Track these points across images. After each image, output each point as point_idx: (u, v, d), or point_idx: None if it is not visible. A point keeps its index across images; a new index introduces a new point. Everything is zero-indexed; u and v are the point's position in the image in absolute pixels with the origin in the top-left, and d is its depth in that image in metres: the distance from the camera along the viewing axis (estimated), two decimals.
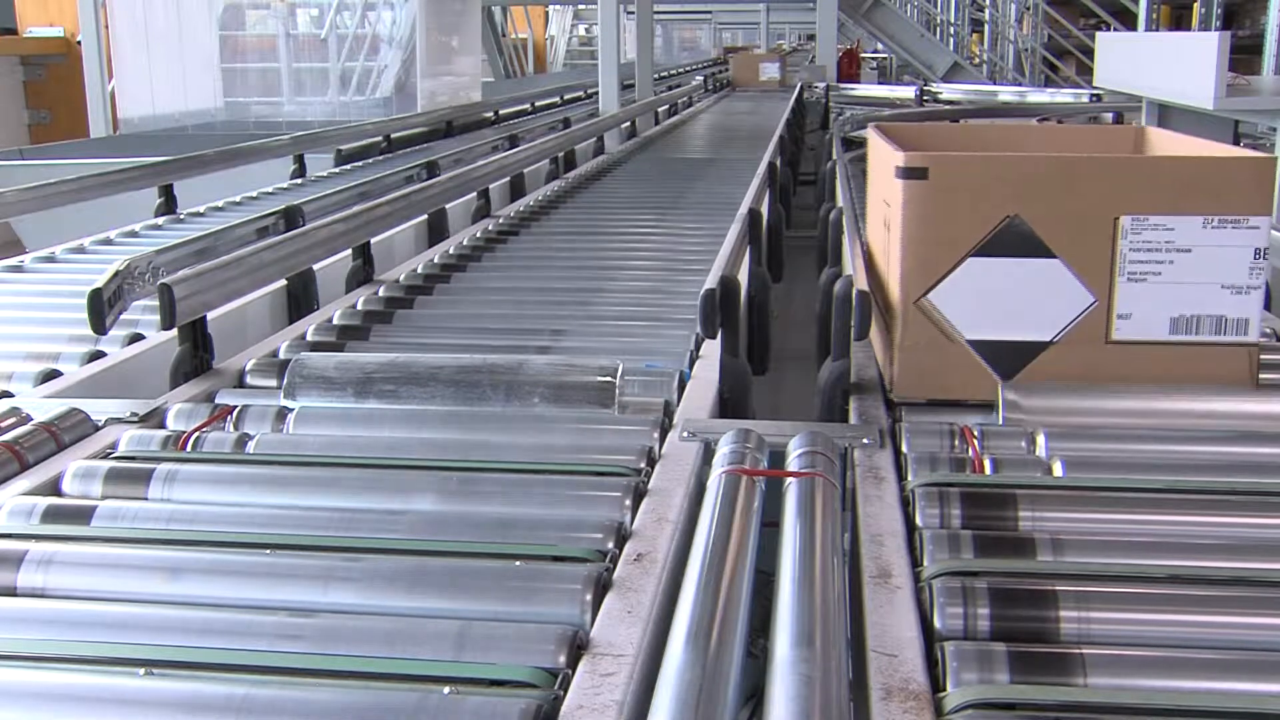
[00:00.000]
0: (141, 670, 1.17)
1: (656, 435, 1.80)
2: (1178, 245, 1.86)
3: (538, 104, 10.06)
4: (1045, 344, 1.88)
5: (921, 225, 1.86)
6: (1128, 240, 1.86)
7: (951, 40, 16.24)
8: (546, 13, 24.46)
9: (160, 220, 4.21)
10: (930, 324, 1.89)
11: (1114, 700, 1.10)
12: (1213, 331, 1.88)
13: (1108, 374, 1.86)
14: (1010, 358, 1.88)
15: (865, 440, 1.75)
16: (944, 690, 1.13)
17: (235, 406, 1.95)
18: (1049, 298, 1.87)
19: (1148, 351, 1.88)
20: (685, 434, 1.80)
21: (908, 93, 9.49)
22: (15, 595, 1.37)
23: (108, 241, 3.71)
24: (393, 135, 6.77)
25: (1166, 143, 2.26)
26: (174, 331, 2.22)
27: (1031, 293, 1.86)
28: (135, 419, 1.92)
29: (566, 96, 11.06)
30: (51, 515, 1.55)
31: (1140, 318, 1.88)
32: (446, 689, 1.13)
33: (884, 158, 1.99)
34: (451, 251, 3.47)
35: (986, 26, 16.53)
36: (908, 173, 1.86)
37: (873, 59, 16.95)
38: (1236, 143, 5.86)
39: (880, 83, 12.73)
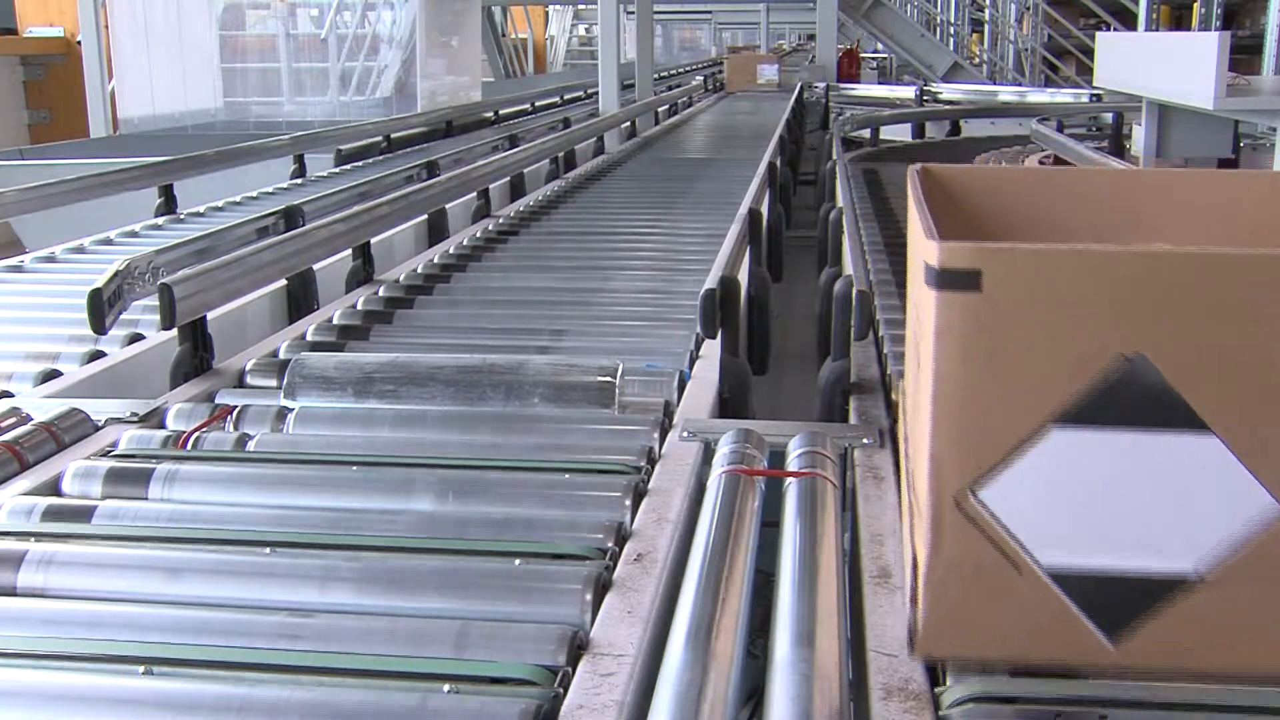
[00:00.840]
0: (141, 670, 1.17)
1: (656, 435, 1.80)
2: None
3: (538, 104, 10.06)
4: (1188, 582, 1.08)
5: (969, 368, 1.08)
6: None
7: (951, 40, 16.24)
8: (546, 13, 24.47)
9: (160, 220, 4.21)
10: (982, 538, 1.11)
11: (1114, 694, 1.10)
12: None
13: None
14: (1124, 601, 1.10)
15: (865, 440, 1.75)
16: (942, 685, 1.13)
17: (235, 406, 1.95)
18: (1199, 500, 1.07)
19: None
20: (685, 434, 1.80)
21: (908, 93, 9.50)
22: (15, 595, 1.37)
23: (108, 241, 3.71)
24: (393, 135, 6.77)
25: None
26: (174, 331, 2.22)
27: (1166, 492, 1.08)
28: (135, 419, 1.92)
29: (566, 96, 11.06)
30: (51, 515, 1.55)
31: None
32: (446, 686, 1.13)
33: (916, 238, 1.18)
34: (451, 251, 3.47)
35: (986, 26, 16.53)
36: (946, 279, 1.06)
37: (873, 59, 16.95)
38: (1237, 143, 5.87)
39: (880, 83, 12.73)
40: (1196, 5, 9.16)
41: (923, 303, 1.10)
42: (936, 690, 1.10)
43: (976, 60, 16.09)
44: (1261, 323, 1.02)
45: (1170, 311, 1.03)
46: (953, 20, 16.88)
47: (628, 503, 1.54)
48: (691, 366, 2.23)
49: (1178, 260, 1.04)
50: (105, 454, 1.78)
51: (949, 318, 1.06)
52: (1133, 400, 1.05)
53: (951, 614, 1.12)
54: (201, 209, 4.36)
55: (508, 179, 4.73)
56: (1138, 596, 1.08)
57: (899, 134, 7.60)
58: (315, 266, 2.92)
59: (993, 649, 1.13)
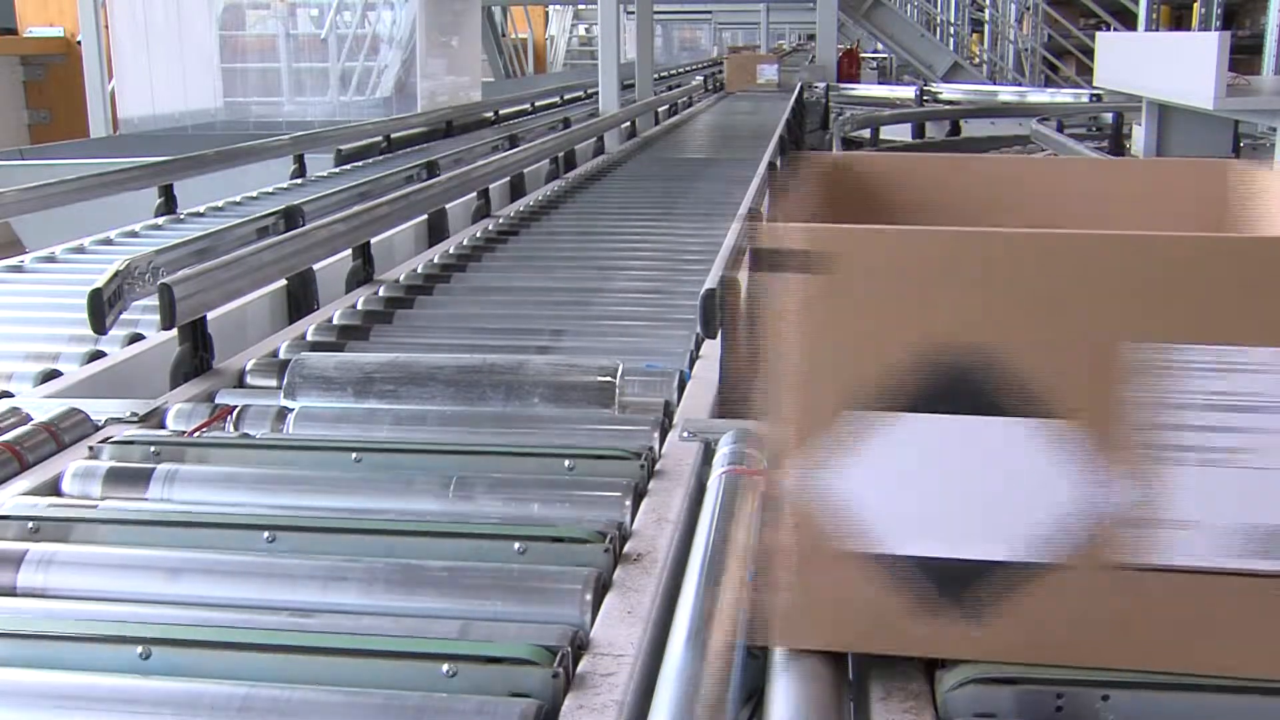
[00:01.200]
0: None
1: (656, 435, 1.80)
2: None
3: (538, 104, 10.06)
4: (1029, 569, 1.06)
5: (817, 351, 1.05)
6: (1204, 393, 1.02)
7: (951, 40, 16.24)
8: (546, 13, 24.46)
9: (160, 220, 4.21)
10: (821, 523, 1.07)
11: (1116, 675, 1.09)
12: None
13: (1145, 620, 1.06)
14: (965, 589, 1.07)
15: None
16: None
17: (235, 406, 1.95)
18: (1041, 486, 1.04)
19: (1215, 587, 1.05)
20: (685, 434, 1.79)
21: (908, 93, 9.50)
22: (15, 595, 1.37)
23: (108, 241, 3.71)
24: (393, 135, 6.77)
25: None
26: (174, 331, 2.22)
27: (1008, 478, 1.05)
28: (135, 419, 1.92)
29: (566, 96, 11.06)
30: (52, 515, 1.55)
31: (1211, 528, 1.04)
32: (446, 666, 1.12)
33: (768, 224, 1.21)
34: (451, 251, 3.47)
35: (986, 26, 16.52)
36: (797, 260, 1.04)
37: (873, 59, 16.95)
38: (1237, 143, 5.87)
39: (880, 83, 12.73)
40: (1196, 5, 9.16)
41: (766, 284, 1.07)
42: (936, 673, 1.10)
43: (976, 60, 16.09)
44: (1099, 306, 1.01)
45: (1008, 294, 1.02)
46: (953, 20, 16.88)
47: (628, 503, 1.54)
48: (691, 367, 2.22)
49: (1013, 240, 1.03)
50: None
51: (789, 299, 1.04)
52: (973, 385, 1.03)
53: (798, 601, 1.09)
54: (201, 209, 4.36)
55: (508, 179, 4.73)
56: (979, 583, 1.06)
57: (899, 134, 7.60)
58: (315, 266, 2.93)
59: (831, 638, 1.10)
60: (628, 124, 7.27)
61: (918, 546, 1.06)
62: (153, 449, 1.79)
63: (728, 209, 3.50)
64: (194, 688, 1.14)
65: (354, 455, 1.75)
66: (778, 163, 4.58)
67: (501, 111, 9.03)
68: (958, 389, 1.03)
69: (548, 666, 1.13)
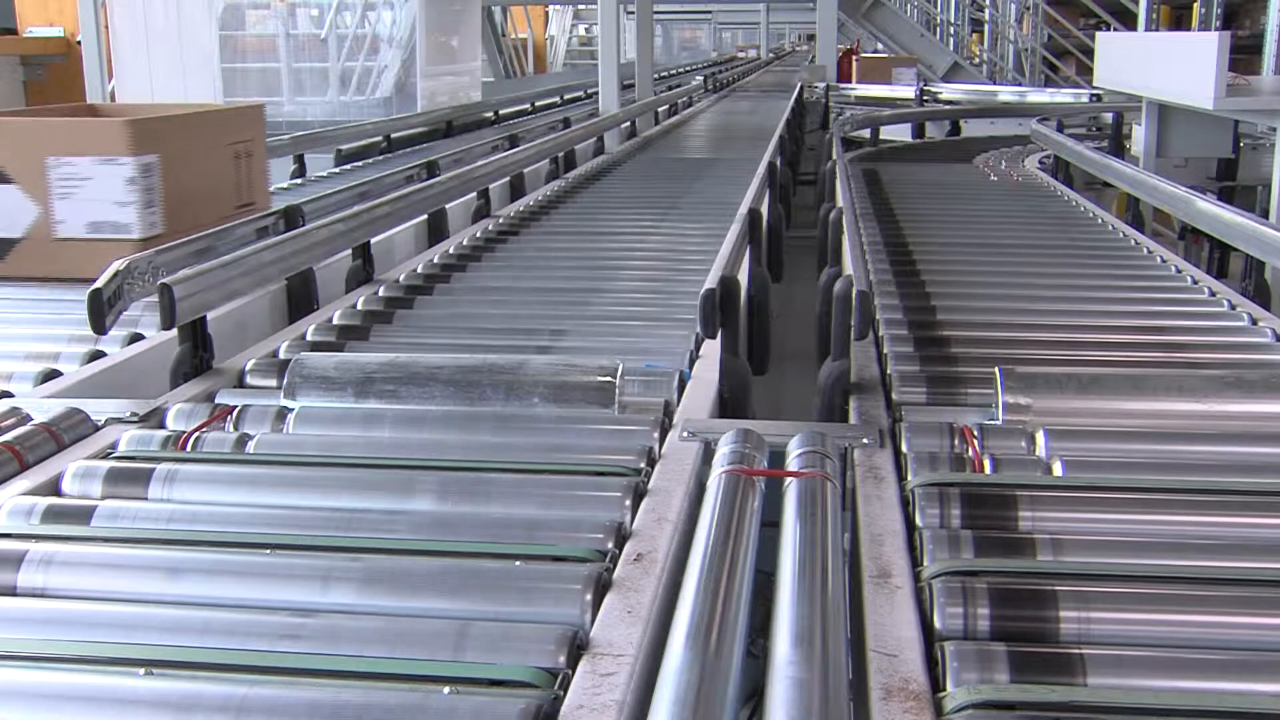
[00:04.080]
0: (141, 670, 1.17)
1: (656, 435, 1.80)
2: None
3: (538, 104, 10.05)
4: None
5: None
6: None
7: (951, 40, 16.24)
8: (546, 13, 24.45)
9: None
10: None
11: (1114, 700, 1.10)
12: None
13: None
14: None
15: (865, 440, 1.75)
16: (944, 690, 1.13)
17: (235, 406, 1.95)
18: None
19: None
20: (685, 434, 1.79)
21: (908, 92, 9.49)
22: (15, 595, 1.37)
23: None
24: (393, 135, 6.76)
25: None
26: (174, 331, 2.22)
27: None
28: (135, 419, 1.92)
29: (566, 96, 11.06)
30: (51, 515, 1.55)
31: None
32: (446, 689, 1.13)
33: None
34: (451, 251, 3.47)
35: (986, 26, 16.52)
36: None
37: (872, 59, 16.93)
38: (1237, 143, 5.87)
39: (880, 82, 12.72)
40: (1196, 5, 9.16)
41: None
42: (938, 695, 1.11)
43: (976, 60, 16.09)
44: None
45: None
46: (953, 20, 16.88)
47: (628, 503, 1.54)
48: (691, 367, 2.22)
49: None
50: (105, 454, 1.78)
51: None
52: None
53: None
54: None
55: (508, 179, 4.73)
56: None
57: (899, 134, 7.60)
58: (315, 266, 2.92)
59: None
60: (628, 124, 7.27)
61: None
62: (153, 449, 1.79)
63: (727, 209, 3.50)
64: (193, 688, 1.14)
65: (354, 455, 1.75)
66: (777, 163, 4.58)
67: (501, 111, 9.02)
68: None
69: (548, 689, 1.13)
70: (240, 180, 3.58)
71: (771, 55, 23.08)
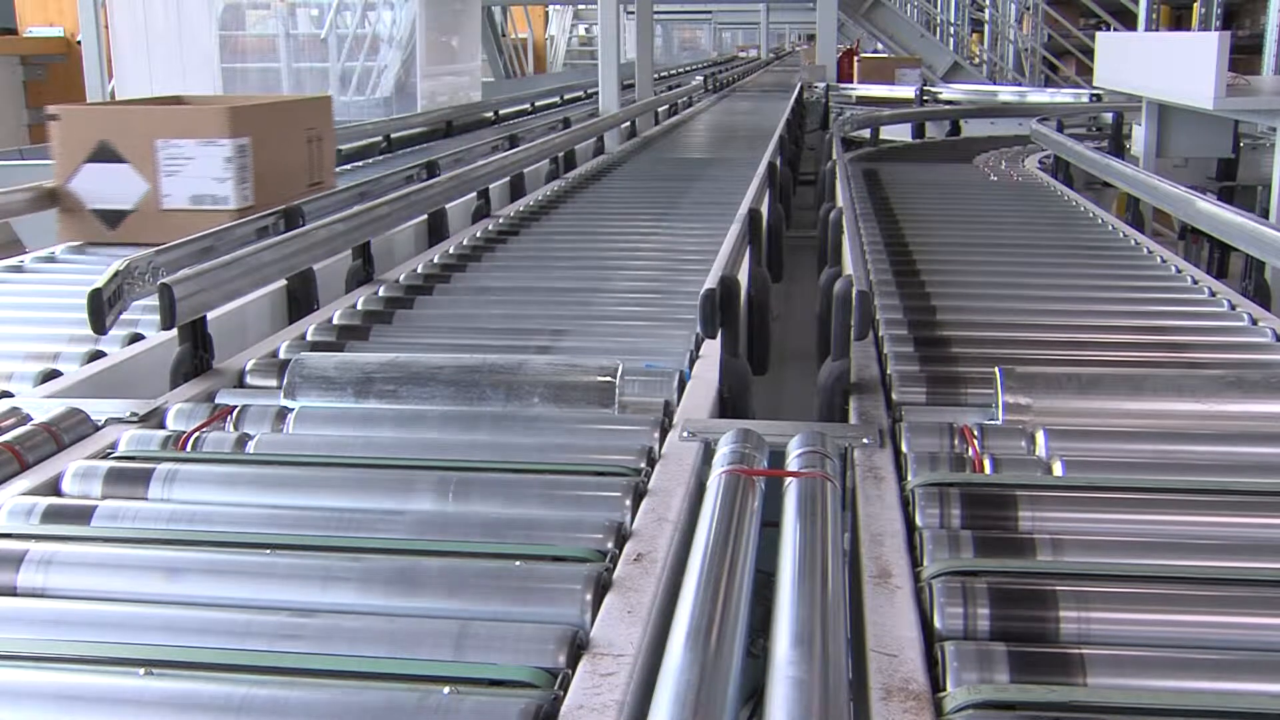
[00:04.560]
0: (141, 670, 1.17)
1: (656, 435, 1.80)
2: None
3: (538, 104, 10.05)
4: None
5: None
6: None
7: (951, 40, 16.24)
8: (546, 13, 24.45)
9: None
10: None
11: (1113, 700, 1.10)
12: None
13: None
14: None
15: (865, 440, 1.75)
16: (944, 690, 1.13)
17: (235, 406, 1.95)
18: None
19: None
20: (685, 434, 1.79)
21: (908, 93, 9.49)
22: (15, 595, 1.37)
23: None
24: (393, 135, 6.76)
25: None
26: (174, 331, 2.22)
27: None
28: (135, 419, 1.92)
29: (566, 96, 11.05)
30: (51, 515, 1.55)
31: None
32: (446, 689, 1.13)
33: None
34: (451, 251, 3.47)
35: (986, 26, 16.52)
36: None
37: (873, 59, 16.93)
38: (1237, 143, 5.87)
39: (880, 82, 12.72)
40: (1196, 5, 9.16)
41: None
42: (938, 695, 1.11)
43: (976, 60, 16.09)
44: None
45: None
46: (953, 20, 16.88)
47: (628, 503, 1.54)
48: (691, 366, 2.22)
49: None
50: (105, 454, 1.78)
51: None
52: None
53: None
54: None
55: (508, 179, 4.73)
56: None
57: (899, 134, 7.60)
58: (315, 266, 2.92)
59: None
60: (627, 124, 7.27)
61: None
62: (153, 449, 1.79)
63: (727, 209, 3.50)
64: (193, 688, 1.14)
65: (354, 455, 1.75)
66: (777, 163, 4.57)
67: (501, 111, 9.01)
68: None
69: (548, 689, 1.13)
70: (312, 162, 4.12)
71: (771, 55, 23.09)
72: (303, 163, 4.06)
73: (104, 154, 3.65)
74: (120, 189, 3.64)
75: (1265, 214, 4.91)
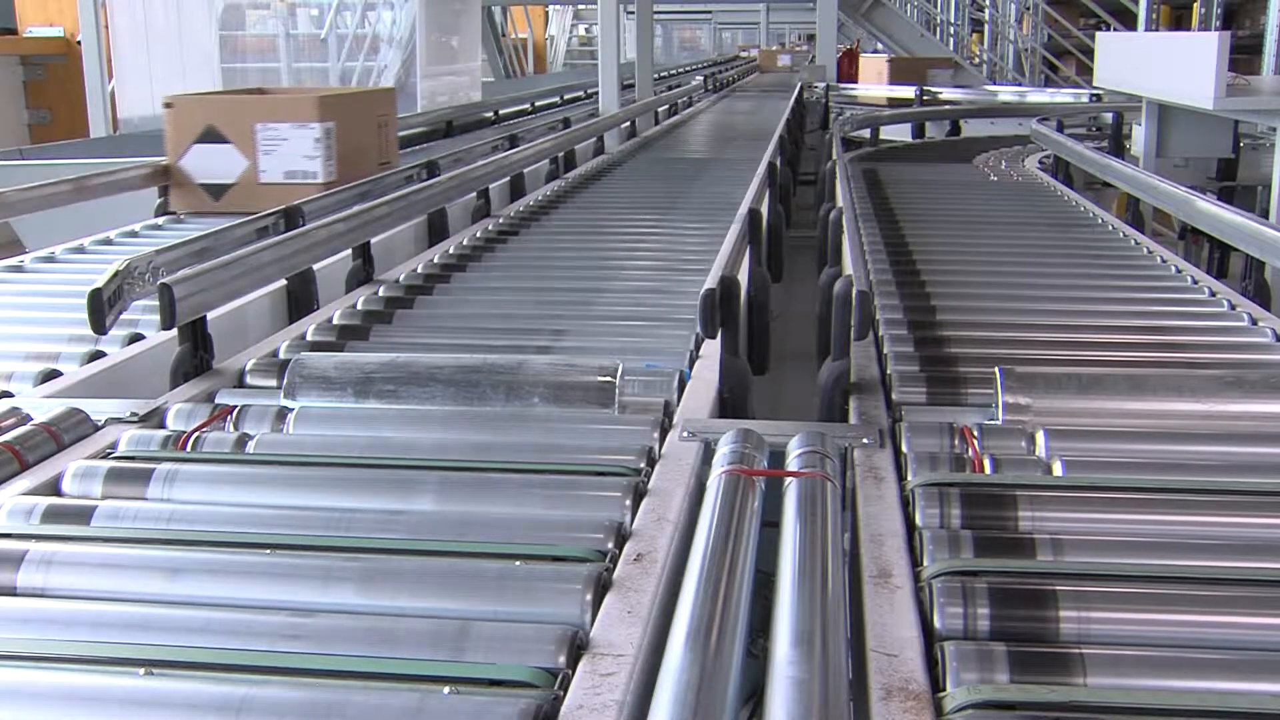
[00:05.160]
0: (141, 670, 1.17)
1: (656, 435, 1.80)
2: None
3: (538, 104, 10.04)
4: None
5: None
6: None
7: (951, 40, 16.25)
8: (546, 13, 24.45)
9: (160, 220, 4.21)
10: None
11: (1114, 700, 1.10)
12: None
13: None
14: None
15: (865, 440, 1.75)
16: (944, 690, 1.13)
17: (235, 406, 1.95)
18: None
19: None
20: (685, 434, 1.79)
21: (908, 93, 9.49)
22: (15, 595, 1.37)
23: (108, 241, 3.71)
24: None
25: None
26: (174, 331, 2.22)
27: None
28: (135, 419, 1.92)
29: (566, 96, 11.04)
30: (51, 515, 1.55)
31: None
32: (446, 689, 1.13)
33: None
34: (451, 251, 3.47)
35: (986, 26, 16.53)
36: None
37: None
38: (1236, 143, 5.87)
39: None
40: (1196, 5, 9.16)
41: None
42: (938, 695, 1.11)
43: (976, 60, 16.09)
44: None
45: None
46: (953, 20, 16.88)
47: (628, 503, 1.54)
48: (691, 367, 2.22)
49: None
50: (105, 454, 1.78)
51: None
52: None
53: None
54: None
55: (508, 179, 4.73)
56: None
57: (899, 134, 7.60)
58: (315, 266, 2.92)
59: None
60: (627, 124, 7.27)
61: None
62: (153, 449, 1.79)
63: (727, 209, 3.50)
64: (193, 688, 1.14)
65: (354, 455, 1.75)
66: (777, 163, 4.58)
67: (501, 111, 9.01)
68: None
69: (548, 689, 1.13)
70: (381, 144, 4.78)
71: None
72: (374, 144, 4.70)
73: (210, 135, 4.25)
74: (224, 165, 4.26)
75: (1265, 214, 4.91)
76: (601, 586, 1.31)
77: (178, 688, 1.14)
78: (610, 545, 1.42)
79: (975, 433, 1.76)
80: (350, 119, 4.45)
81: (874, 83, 10.99)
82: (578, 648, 1.20)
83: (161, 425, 1.94)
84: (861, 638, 1.21)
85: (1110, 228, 3.87)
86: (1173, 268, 3.16)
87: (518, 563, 1.37)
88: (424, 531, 1.49)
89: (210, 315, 2.29)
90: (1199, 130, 5.75)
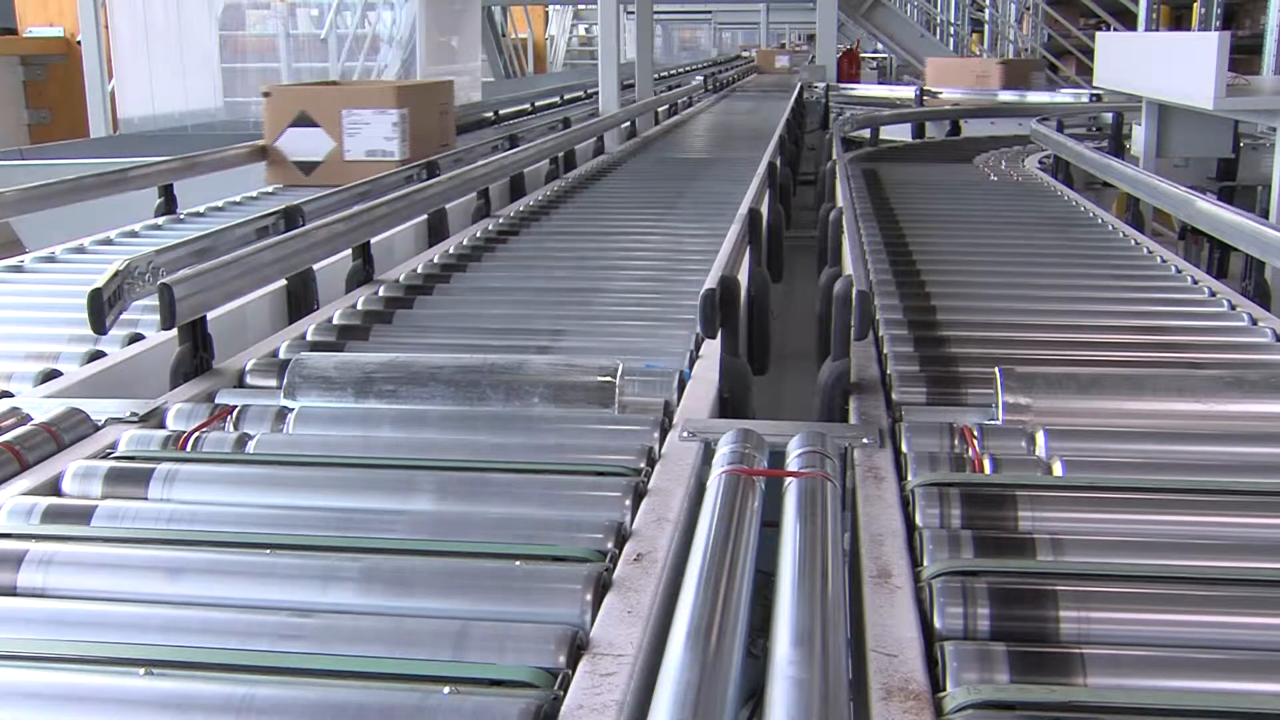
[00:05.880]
0: (141, 670, 1.17)
1: (656, 435, 1.80)
2: None
3: (538, 104, 10.04)
4: None
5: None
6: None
7: (951, 40, 16.25)
8: (546, 13, 24.44)
9: (160, 220, 4.21)
10: None
11: (1114, 700, 1.10)
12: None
13: None
14: None
15: (865, 440, 1.75)
16: (944, 690, 1.13)
17: (235, 406, 1.95)
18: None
19: None
20: (685, 434, 1.79)
21: (908, 93, 9.49)
22: (15, 595, 1.37)
23: (108, 241, 3.71)
24: None
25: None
26: (174, 331, 2.22)
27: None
28: (135, 419, 1.92)
29: (566, 96, 11.04)
30: (51, 515, 1.55)
31: None
32: (446, 689, 1.13)
33: None
34: (451, 251, 3.47)
35: (986, 26, 16.53)
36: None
37: (873, 59, 16.94)
38: (1237, 143, 5.87)
39: (880, 83, 12.71)
40: (1196, 5, 9.16)
41: None
42: (938, 695, 1.11)
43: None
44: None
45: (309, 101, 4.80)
46: (953, 20, 16.88)
47: (628, 503, 1.54)
48: (691, 367, 2.22)
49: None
50: (105, 454, 1.78)
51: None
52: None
53: None
54: (201, 209, 4.36)
55: (508, 179, 4.73)
56: None
57: (899, 134, 7.60)
58: (315, 266, 2.92)
59: None
60: (627, 124, 7.27)
61: None
62: (153, 449, 1.79)
63: (727, 209, 3.50)
64: (193, 688, 1.14)
65: (354, 455, 1.75)
66: (777, 163, 4.58)
67: (501, 111, 9.01)
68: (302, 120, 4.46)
69: (548, 689, 1.13)
70: (443, 129, 5.64)
71: None
72: (437, 128, 5.52)
73: (303, 120, 5.06)
74: (314, 146, 5.06)
75: (1265, 214, 4.91)
76: (601, 586, 1.31)
77: (178, 688, 1.14)
78: (610, 545, 1.42)
79: (975, 433, 1.76)
80: (419, 106, 5.25)
81: (979, 87, 10.65)
82: (578, 648, 1.20)
83: (161, 425, 1.94)
84: (861, 638, 1.21)
85: (1110, 228, 3.87)
86: (1173, 268, 3.16)
87: (518, 563, 1.37)
88: (424, 531, 1.49)
89: (210, 315, 2.29)
90: (1199, 130, 5.74)
